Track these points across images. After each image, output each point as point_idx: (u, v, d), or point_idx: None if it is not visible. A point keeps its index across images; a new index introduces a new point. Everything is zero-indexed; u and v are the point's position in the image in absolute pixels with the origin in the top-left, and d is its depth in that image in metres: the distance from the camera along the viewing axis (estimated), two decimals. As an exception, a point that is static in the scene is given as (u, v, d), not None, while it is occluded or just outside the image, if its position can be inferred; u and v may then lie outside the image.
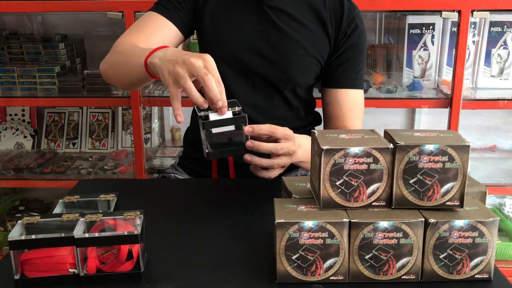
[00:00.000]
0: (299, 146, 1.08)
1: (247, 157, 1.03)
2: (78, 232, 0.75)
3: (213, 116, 0.96)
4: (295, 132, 1.10)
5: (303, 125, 1.34)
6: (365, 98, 1.97)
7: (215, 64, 0.94)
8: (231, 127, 0.97)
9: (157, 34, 1.22)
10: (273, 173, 1.07)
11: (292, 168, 1.35)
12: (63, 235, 0.75)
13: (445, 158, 0.75)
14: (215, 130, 0.96)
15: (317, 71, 1.29)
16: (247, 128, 0.99)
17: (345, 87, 1.29)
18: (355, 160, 0.75)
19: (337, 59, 1.27)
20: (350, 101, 1.30)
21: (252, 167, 1.07)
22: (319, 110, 1.41)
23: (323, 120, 1.38)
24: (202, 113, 0.97)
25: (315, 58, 1.26)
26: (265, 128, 1.01)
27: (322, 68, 1.29)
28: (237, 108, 0.99)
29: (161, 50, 1.00)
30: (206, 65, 0.92)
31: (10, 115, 2.44)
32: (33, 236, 0.74)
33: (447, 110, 1.97)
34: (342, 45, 1.26)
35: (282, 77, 1.26)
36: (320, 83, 1.34)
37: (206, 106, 0.93)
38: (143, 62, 1.03)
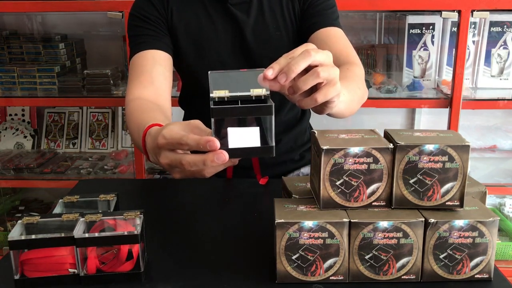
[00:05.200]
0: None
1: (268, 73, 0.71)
2: (78, 232, 0.75)
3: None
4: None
5: (296, 112, 1.37)
6: (365, 98, 1.99)
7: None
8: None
9: (156, 67, 1.17)
10: (321, 96, 0.75)
11: (293, 168, 1.36)
12: (63, 235, 0.75)
13: (445, 158, 0.75)
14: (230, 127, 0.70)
15: (297, 44, 1.25)
16: (263, 75, 0.71)
17: (326, 26, 1.22)
18: (355, 160, 0.75)
19: (306, 12, 1.24)
20: (339, 39, 1.21)
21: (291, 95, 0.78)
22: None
23: None
24: (216, 94, 0.72)
25: (291, 32, 1.25)
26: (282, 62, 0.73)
27: (300, 28, 1.26)
28: (263, 92, 0.72)
29: (147, 147, 0.84)
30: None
31: (10, 115, 2.44)
32: (33, 236, 0.74)
33: (447, 110, 1.97)
34: (309, 5, 1.24)
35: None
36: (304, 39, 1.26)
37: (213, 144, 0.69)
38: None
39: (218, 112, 0.69)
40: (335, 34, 1.22)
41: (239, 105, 0.69)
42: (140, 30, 1.21)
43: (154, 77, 1.15)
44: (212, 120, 0.69)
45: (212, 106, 0.69)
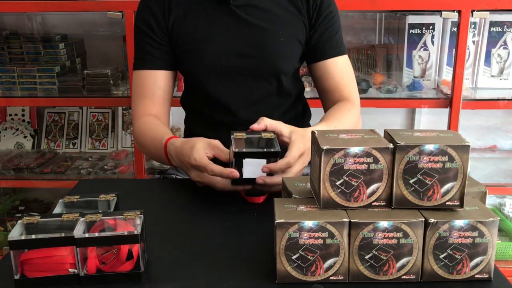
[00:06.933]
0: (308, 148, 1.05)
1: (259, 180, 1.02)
2: (78, 232, 0.75)
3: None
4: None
5: (296, 113, 1.37)
6: (365, 98, 1.99)
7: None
8: (262, 161, 1.01)
9: (157, 91, 1.28)
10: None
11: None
12: (63, 235, 0.75)
13: (445, 158, 0.75)
14: (246, 161, 1.00)
15: (299, 54, 1.30)
16: (264, 169, 1.00)
17: (331, 56, 1.30)
18: (355, 160, 0.75)
19: (316, 32, 1.28)
20: (340, 69, 1.31)
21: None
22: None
23: (321, 97, 1.37)
24: (237, 149, 0.99)
25: (296, 41, 1.27)
26: (281, 166, 1.01)
27: (303, 48, 1.30)
28: (272, 135, 1.03)
29: (171, 153, 1.13)
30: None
31: (10, 115, 2.44)
32: (33, 236, 0.74)
33: (447, 110, 1.97)
34: (316, 19, 1.27)
35: (269, 70, 1.26)
36: (307, 64, 1.35)
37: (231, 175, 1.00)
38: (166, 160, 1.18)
39: (240, 155, 0.99)
40: (341, 67, 1.31)
41: (255, 151, 1.00)
42: (141, 44, 1.28)
43: (155, 101, 1.28)
44: (234, 159, 1.00)
45: (235, 150, 0.99)
